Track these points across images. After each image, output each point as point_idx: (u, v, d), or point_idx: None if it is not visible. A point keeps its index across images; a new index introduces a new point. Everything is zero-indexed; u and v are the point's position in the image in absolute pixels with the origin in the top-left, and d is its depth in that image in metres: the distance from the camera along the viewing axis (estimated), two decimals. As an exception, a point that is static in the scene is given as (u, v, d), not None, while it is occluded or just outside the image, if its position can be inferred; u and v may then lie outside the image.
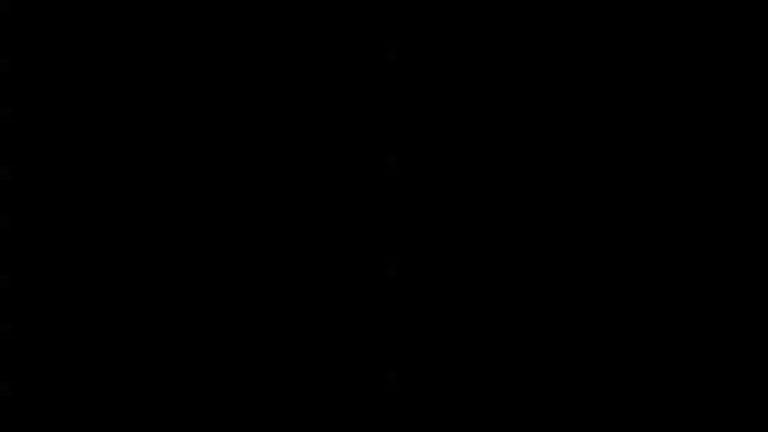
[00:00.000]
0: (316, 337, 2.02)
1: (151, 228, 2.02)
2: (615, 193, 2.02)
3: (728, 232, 2.01)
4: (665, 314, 2.00)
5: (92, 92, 2.03)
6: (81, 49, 2.03)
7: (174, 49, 2.04)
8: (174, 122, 2.03)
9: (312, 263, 2.02)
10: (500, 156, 2.03)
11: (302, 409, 2.02)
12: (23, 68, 2.03)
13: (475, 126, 2.03)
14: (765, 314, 1.99)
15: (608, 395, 2.00)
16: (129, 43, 2.04)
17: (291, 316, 2.02)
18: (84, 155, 2.03)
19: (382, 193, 2.03)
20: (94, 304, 2.02)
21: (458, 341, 2.02)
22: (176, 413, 2.01)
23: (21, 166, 2.02)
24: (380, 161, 2.04)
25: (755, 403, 1.99)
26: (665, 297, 2.00)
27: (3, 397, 2.01)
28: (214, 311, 2.02)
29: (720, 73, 2.02)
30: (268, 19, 2.05)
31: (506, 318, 2.02)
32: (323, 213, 2.03)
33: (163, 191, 2.03)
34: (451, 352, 2.02)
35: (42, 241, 2.02)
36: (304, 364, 2.02)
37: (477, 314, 2.02)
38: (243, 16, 2.04)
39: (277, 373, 2.02)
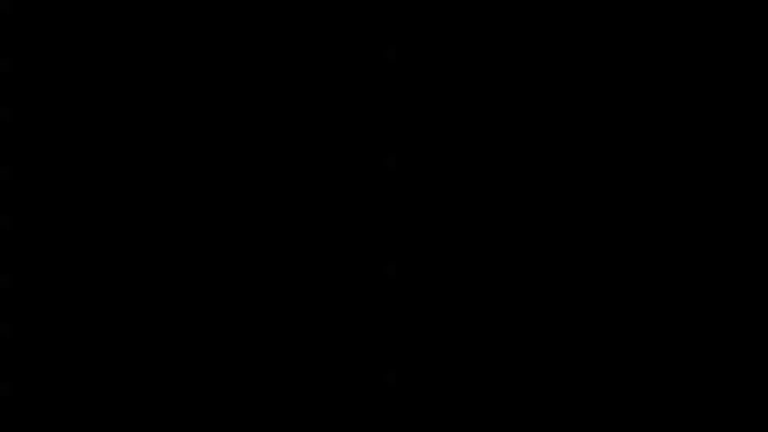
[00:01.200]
0: (316, 336, 2.02)
1: (151, 228, 2.03)
2: (615, 193, 2.02)
3: (728, 232, 2.01)
4: (665, 314, 2.00)
5: (92, 92, 2.03)
6: (81, 49, 2.03)
7: (175, 49, 2.04)
8: (174, 122, 2.03)
9: (312, 263, 2.02)
10: (500, 156, 2.03)
11: (302, 408, 2.02)
12: (23, 68, 2.03)
13: (475, 126, 2.03)
14: (765, 314, 2.00)
15: (608, 395, 2.00)
16: (130, 43, 2.04)
17: (292, 316, 2.02)
18: (83, 155, 2.03)
19: (382, 193, 2.03)
20: (94, 304, 2.02)
21: (458, 341, 2.02)
22: (176, 413, 2.01)
23: (21, 166, 2.02)
24: (380, 161, 2.04)
25: (755, 403, 1.99)
26: (665, 297, 2.00)
27: (3, 397, 2.01)
28: (214, 311, 2.02)
29: (720, 73, 2.02)
30: (268, 19, 2.05)
31: (506, 317, 2.02)
32: (323, 213, 2.03)
33: (163, 191, 2.03)
34: (451, 352, 2.02)
35: (42, 241, 2.02)
36: (304, 364, 2.02)
37: (476, 314, 2.02)
38: (243, 16, 2.04)
39: (277, 373, 2.02)
